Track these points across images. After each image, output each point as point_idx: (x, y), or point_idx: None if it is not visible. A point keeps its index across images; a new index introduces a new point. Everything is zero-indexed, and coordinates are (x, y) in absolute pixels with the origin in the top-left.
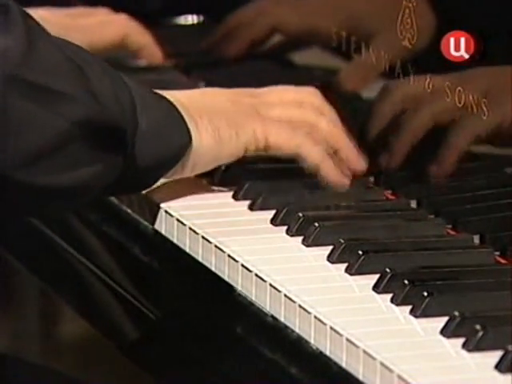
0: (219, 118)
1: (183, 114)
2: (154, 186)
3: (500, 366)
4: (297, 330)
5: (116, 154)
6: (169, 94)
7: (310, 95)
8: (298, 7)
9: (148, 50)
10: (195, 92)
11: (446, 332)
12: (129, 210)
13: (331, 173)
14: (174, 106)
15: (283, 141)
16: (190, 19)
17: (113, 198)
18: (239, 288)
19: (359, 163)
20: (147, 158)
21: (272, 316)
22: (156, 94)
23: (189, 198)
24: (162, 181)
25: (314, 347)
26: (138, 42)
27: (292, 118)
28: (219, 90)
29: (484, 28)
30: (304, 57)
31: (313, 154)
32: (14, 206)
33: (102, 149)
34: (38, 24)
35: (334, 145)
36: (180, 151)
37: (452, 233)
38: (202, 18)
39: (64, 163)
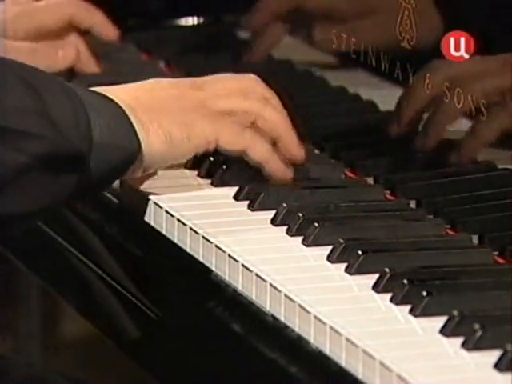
0: (169, 121)
1: (132, 119)
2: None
3: (499, 365)
4: (297, 330)
5: (72, 176)
6: (115, 95)
7: (252, 82)
8: None
9: (99, 27)
10: (140, 89)
11: (445, 331)
12: (129, 210)
13: (276, 170)
14: (123, 112)
15: (232, 142)
16: (191, 21)
17: (113, 198)
18: (239, 287)
19: (299, 152)
20: (99, 167)
21: (272, 315)
22: (104, 98)
23: (190, 197)
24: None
25: (314, 346)
26: (87, 20)
27: (237, 109)
28: (164, 84)
29: (484, 28)
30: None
31: (259, 154)
32: None
33: (59, 174)
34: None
35: (275, 133)
36: (130, 158)
37: (451, 233)
38: (201, 20)
39: (21, 193)
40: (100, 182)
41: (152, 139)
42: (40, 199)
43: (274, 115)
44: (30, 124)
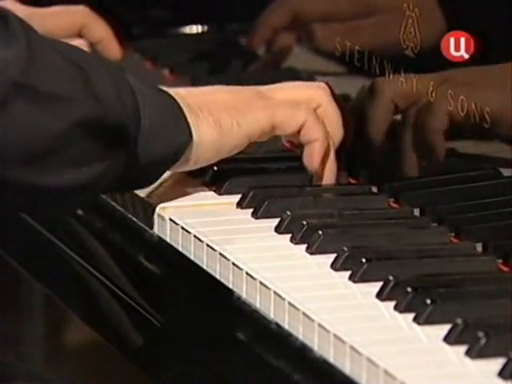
0: (219, 109)
1: (183, 108)
2: (156, 185)
3: (503, 373)
4: (301, 338)
5: (118, 152)
6: (168, 89)
7: (319, 93)
8: None
9: (105, 43)
10: (195, 88)
11: (449, 339)
12: (133, 218)
13: (318, 152)
14: (175, 101)
15: (288, 122)
16: (195, 29)
17: (118, 206)
18: (243, 295)
19: (326, 178)
20: (149, 155)
21: (276, 323)
22: (156, 89)
23: (194, 206)
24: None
25: (318, 354)
26: (96, 33)
27: (299, 99)
28: (220, 86)
29: (484, 28)
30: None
31: (315, 130)
32: (14, 205)
33: (104, 148)
34: (36, 32)
35: (331, 127)
36: (181, 148)
37: (455, 241)
38: (205, 28)
39: (66, 163)
40: (148, 173)
41: (202, 127)
42: (83, 174)
43: (336, 112)
44: (70, 89)
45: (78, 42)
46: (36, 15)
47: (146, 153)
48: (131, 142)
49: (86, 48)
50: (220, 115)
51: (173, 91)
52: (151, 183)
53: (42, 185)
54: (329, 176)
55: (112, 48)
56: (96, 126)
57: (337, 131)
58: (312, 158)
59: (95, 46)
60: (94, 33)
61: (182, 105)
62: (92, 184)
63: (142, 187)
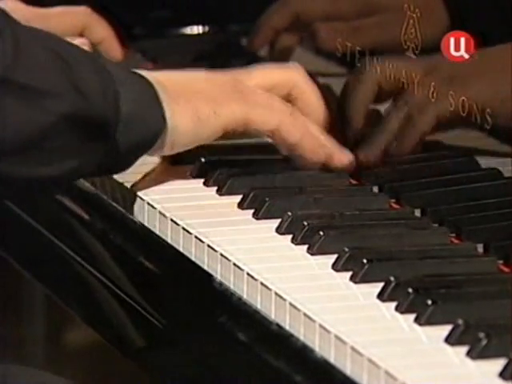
0: (197, 98)
1: (160, 94)
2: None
3: (504, 374)
4: (302, 338)
5: (99, 143)
6: (147, 73)
7: (293, 76)
8: None
9: (107, 43)
10: (173, 72)
11: (450, 340)
12: (135, 219)
13: (308, 149)
14: (152, 86)
15: (263, 119)
16: (196, 29)
17: (119, 207)
18: (244, 296)
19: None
20: (126, 142)
21: (277, 324)
22: (134, 73)
23: (195, 206)
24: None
25: (319, 355)
26: (98, 34)
27: (275, 81)
28: (198, 71)
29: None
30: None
31: (292, 132)
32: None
33: (85, 140)
34: (20, 25)
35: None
36: (157, 133)
37: (456, 241)
38: (207, 29)
39: (48, 156)
40: (124, 159)
41: (179, 114)
42: (67, 162)
43: (314, 91)
44: (55, 83)
45: (79, 41)
46: (37, 15)
47: (124, 140)
48: (111, 133)
49: (87, 47)
50: (198, 104)
51: (151, 75)
52: (126, 169)
53: (23, 176)
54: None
55: (113, 48)
56: (79, 118)
57: (318, 109)
58: (302, 162)
59: (97, 47)
60: (96, 33)
61: (159, 91)
62: (71, 174)
63: (116, 173)
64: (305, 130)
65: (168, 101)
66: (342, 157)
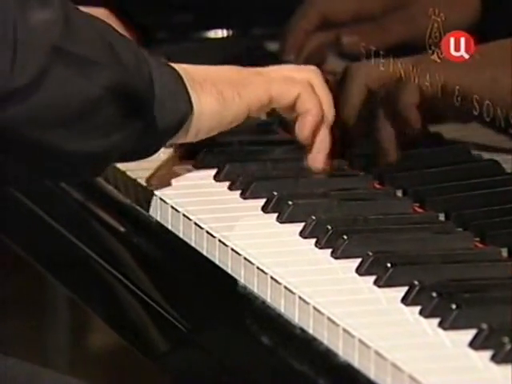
0: (222, 82)
1: (186, 80)
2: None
3: None
4: (325, 342)
5: (139, 118)
6: (173, 64)
7: (311, 74)
8: None
9: None
10: (197, 66)
11: (474, 344)
12: (160, 222)
13: (310, 121)
14: (178, 73)
15: (284, 93)
16: (220, 33)
17: (143, 210)
18: (268, 300)
19: (318, 161)
20: (160, 120)
21: (301, 328)
22: (159, 60)
23: (218, 210)
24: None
25: (343, 359)
26: None
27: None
28: (223, 65)
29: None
30: None
31: (309, 102)
32: (44, 168)
33: (128, 114)
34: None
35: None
36: (184, 117)
37: (480, 246)
38: (230, 32)
39: (92, 130)
40: (151, 143)
41: (205, 98)
42: (111, 136)
43: (327, 92)
44: (101, 55)
45: (100, 12)
46: None
47: (158, 119)
48: (149, 109)
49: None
50: (222, 87)
51: (175, 65)
52: (152, 154)
53: (71, 149)
54: (321, 148)
55: None
56: (123, 90)
57: (329, 109)
58: (304, 127)
59: None
60: None
61: (184, 76)
62: (111, 152)
63: (143, 158)
64: (319, 105)
65: (194, 86)
66: (320, 159)
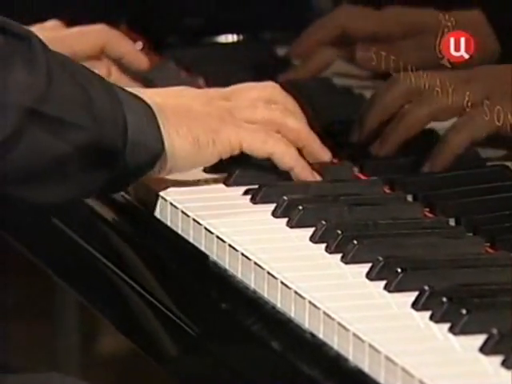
0: (197, 126)
1: (160, 121)
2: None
3: None
4: (335, 347)
5: (106, 169)
6: (148, 96)
7: (274, 91)
8: (369, 15)
9: (130, 57)
10: (171, 94)
11: (484, 349)
12: (170, 227)
13: (304, 173)
14: (153, 113)
15: (257, 146)
16: (230, 38)
17: (153, 214)
18: (278, 304)
19: (325, 155)
20: (129, 164)
21: (311, 333)
22: (137, 97)
23: (229, 215)
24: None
25: (353, 364)
26: (118, 50)
27: (261, 119)
28: (193, 91)
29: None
30: None
31: (286, 159)
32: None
33: (95, 167)
34: (54, 54)
35: (299, 141)
36: (155, 158)
37: (490, 251)
38: (241, 37)
39: (64, 181)
40: (126, 179)
41: (181, 142)
42: (71, 190)
43: (296, 124)
44: (75, 114)
45: (97, 29)
46: (57, 38)
47: (128, 163)
48: (120, 159)
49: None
50: (198, 133)
51: (152, 100)
52: (120, 191)
53: (37, 201)
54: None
55: (138, 60)
56: (93, 148)
57: (300, 117)
58: (301, 177)
59: (121, 61)
60: (117, 49)
61: (158, 116)
62: (80, 196)
63: (115, 193)
64: (297, 156)
65: (168, 128)
66: (325, 157)
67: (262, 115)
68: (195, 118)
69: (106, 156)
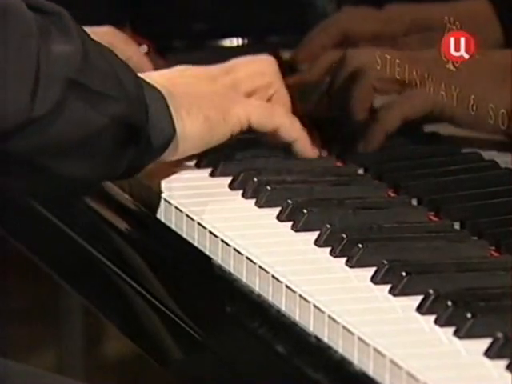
0: (207, 106)
1: (170, 104)
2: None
3: None
4: (340, 351)
5: (133, 144)
6: (155, 80)
7: (268, 62)
8: (370, 16)
9: (135, 60)
10: (176, 75)
11: (489, 353)
12: (174, 229)
13: (306, 146)
14: (163, 96)
15: (264, 120)
16: (235, 41)
17: (158, 218)
18: (283, 308)
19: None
20: (147, 148)
21: (315, 336)
22: (149, 84)
23: (233, 218)
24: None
25: (358, 368)
26: (124, 52)
27: (260, 87)
28: (195, 70)
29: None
30: None
31: (292, 131)
32: (40, 191)
33: (125, 142)
34: (83, 29)
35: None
36: (168, 141)
37: (495, 254)
38: (246, 41)
39: (94, 157)
40: (144, 160)
41: (191, 122)
42: (101, 165)
43: (286, 92)
44: (111, 87)
45: (104, 30)
46: None
47: (147, 146)
48: (143, 137)
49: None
50: (209, 112)
51: (161, 84)
52: (133, 176)
53: (68, 176)
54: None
55: (142, 64)
56: (125, 122)
57: (285, 97)
58: (303, 152)
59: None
60: (122, 52)
61: (168, 100)
62: (103, 177)
63: (127, 178)
64: (301, 128)
65: (179, 110)
66: (308, 146)
67: (259, 83)
68: (203, 97)
69: (134, 132)
